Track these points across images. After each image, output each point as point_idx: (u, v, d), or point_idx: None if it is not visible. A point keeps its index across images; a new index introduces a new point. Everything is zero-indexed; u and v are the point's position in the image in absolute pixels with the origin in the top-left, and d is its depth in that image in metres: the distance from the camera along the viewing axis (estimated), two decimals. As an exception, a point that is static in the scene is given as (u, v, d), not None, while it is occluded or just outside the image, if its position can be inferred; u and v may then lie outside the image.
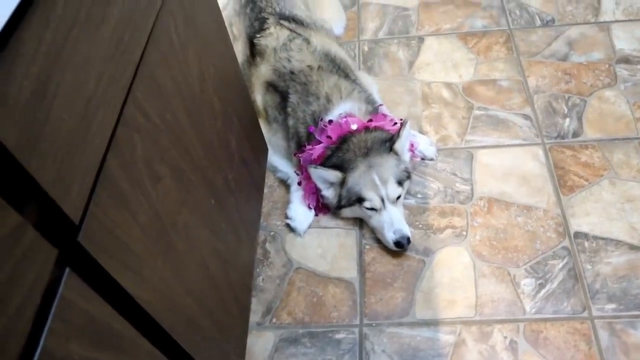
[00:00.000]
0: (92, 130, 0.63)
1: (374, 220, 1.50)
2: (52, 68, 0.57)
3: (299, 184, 1.61)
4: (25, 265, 0.51)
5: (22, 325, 0.51)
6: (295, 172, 1.64)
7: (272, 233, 1.61)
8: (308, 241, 1.58)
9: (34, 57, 0.54)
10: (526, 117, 1.77)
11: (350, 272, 1.51)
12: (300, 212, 1.60)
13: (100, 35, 0.67)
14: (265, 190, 1.67)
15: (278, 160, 1.70)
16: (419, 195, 1.63)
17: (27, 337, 0.51)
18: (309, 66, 1.62)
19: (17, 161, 0.50)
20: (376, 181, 1.46)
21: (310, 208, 1.60)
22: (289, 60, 1.64)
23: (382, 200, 1.46)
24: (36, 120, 0.54)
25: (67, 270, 0.57)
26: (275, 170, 1.71)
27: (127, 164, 0.71)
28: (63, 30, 0.59)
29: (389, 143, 1.51)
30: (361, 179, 1.47)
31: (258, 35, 1.74)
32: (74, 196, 0.59)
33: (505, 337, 1.34)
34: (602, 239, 1.48)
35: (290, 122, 1.61)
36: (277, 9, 1.79)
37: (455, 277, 1.46)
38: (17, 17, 0.52)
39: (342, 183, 1.49)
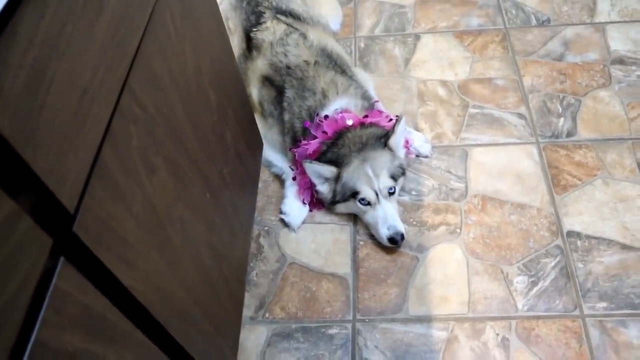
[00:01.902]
0: (88, 120, 0.63)
1: (368, 216, 1.50)
2: (48, 57, 0.56)
3: (294, 179, 1.61)
4: (20, 253, 0.50)
5: (16, 315, 0.51)
6: (290, 167, 1.64)
7: (266, 228, 1.61)
8: (302, 236, 1.58)
9: (29, 47, 0.54)
10: (521, 116, 1.77)
11: (344, 267, 1.51)
12: (295, 207, 1.60)
13: (96, 26, 0.67)
14: (260, 184, 1.67)
15: (273, 155, 1.70)
16: (413, 192, 1.63)
17: (20, 327, 0.51)
18: (305, 61, 1.61)
19: (13, 148, 0.49)
20: (370, 174, 1.46)
21: (304, 203, 1.60)
22: (286, 55, 1.64)
23: (376, 195, 1.46)
24: (31, 109, 0.53)
25: (62, 259, 0.56)
26: (270, 164, 1.71)
27: (123, 155, 0.70)
28: (59, 20, 0.59)
29: (383, 139, 1.51)
30: (355, 173, 1.47)
31: (254, 29, 1.73)
32: (69, 185, 0.58)
33: (498, 334, 1.35)
34: (595, 238, 1.49)
35: (286, 116, 1.61)
36: (274, 3, 1.79)
37: (448, 274, 1.46)
38: (12, 6, 0.52)
39: (337, 178, 1.49)
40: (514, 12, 2.10)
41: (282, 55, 1.64)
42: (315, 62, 1.62)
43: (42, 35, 0.55)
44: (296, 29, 1.71)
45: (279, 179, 1.70)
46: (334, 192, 1.51)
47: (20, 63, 0.52)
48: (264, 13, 1.75)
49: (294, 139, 1.61)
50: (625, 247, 1.46)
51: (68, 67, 0.59)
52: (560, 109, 1.78)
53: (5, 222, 0.48)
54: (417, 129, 1.77)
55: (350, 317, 1.42)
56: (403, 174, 1.55)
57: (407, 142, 1.63)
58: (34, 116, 0.53)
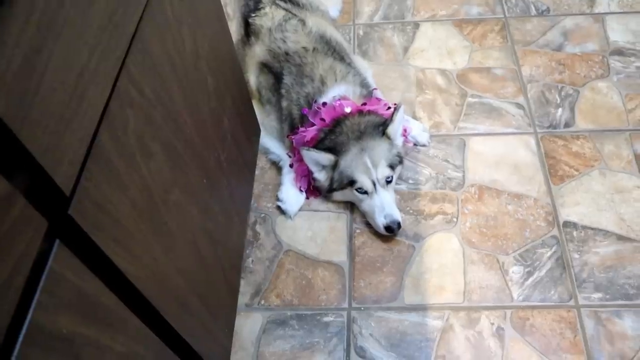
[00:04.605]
0: (85, 102, 0.62)
1: (365, 204, 1.50)
2: (44, 37, 0.55)
3: (291, 166, 1.60)
4: (15, 235, 0.50)
5: (11, 297, 0.50)
6: (287, 154, 1.63)
7: (262, 215, 1.60)
8: (298, 224, 1.58)
9: (25, 27, 0.53)
10: (519, 106, 1.77)
11: (340, 255, 1.51)
12: (291, 195, 1.59)
13: (93, 6, 0.66)
14: (257, 171, 1.66)
15: (270, 142, 1.69)
16: (410, 181, 1.63)
17: (15, 308, 0.51)
18: (304, 48, 1.60)
19: (8, 128, 0.49)
20: (368, 164, 1.45)
21: (301, 191, 1.60)
22: (284, 41, 1.62)
23: (374, 184, 1.46)
24: (27, 89, 0.52)
25: (57, 242, 0.56)
26: (267, 151, 1.70)
27: (119, 138, 0.70)
28: (56, -1, 0.58)
29: (382, 127, 1.50)
30: (353, 162, 1.46)
31: (253, 15, 1.72)
32: (65, 167, 0.58)
33: (493, 324, 1.35)
34: (591, 229, 1.49)
35: (284, 103, 1.60)
36: (273, -11, 1.77)
37: (444, 263, 1.46)
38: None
39: (335, 166, 1.48)
40: (513, 1, 2.09)
41: (281, 42, 1.63)
42: (314, 49, 1.61)
43: (38, 14, 0.55)
44: (295, 15, 1.70)
45: (276, 166, 1.69)
46: (331, 180, 1.51)
47: (16, 43, 0.51)
48: (263, -1, 1.74)
49: (291, 126, 1.60)
50: (621, 238, 1.46)
51: (64, 48, 0.59)
52: (559, 99, 1.77)
53: (0, 202, 0.48)
54: (415, 117, 1.77)
55: (346, 305, 1.42)
56: (401, 162, 1.54)
57: (405, 130, 1.63)
58: (30, 96, 0.53)
